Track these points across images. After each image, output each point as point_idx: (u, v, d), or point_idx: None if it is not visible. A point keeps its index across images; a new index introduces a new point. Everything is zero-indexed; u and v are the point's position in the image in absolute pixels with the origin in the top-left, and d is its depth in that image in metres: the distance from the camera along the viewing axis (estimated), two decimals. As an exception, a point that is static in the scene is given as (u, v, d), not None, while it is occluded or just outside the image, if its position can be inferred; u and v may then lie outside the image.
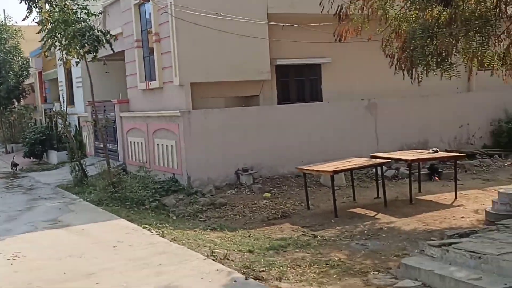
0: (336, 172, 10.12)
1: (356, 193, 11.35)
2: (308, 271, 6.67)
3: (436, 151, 11.42)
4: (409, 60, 10.04)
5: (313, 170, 10.58)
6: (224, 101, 14.47)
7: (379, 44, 10.41)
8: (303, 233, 8.98)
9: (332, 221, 9.72)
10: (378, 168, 11.16)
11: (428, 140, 15.17)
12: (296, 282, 6.20)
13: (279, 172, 13.34)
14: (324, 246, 8.02)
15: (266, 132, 13.29)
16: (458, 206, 10.23)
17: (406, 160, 10.84)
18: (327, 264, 6.93)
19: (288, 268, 6.74)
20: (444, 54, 9.98)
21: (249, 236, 8.89)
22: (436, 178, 12.96)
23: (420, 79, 10.40)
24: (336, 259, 7.23)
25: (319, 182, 12.85)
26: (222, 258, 7.00)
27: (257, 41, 13.14)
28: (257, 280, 6.04)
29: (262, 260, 7.07)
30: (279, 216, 10.36)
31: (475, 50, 9.57)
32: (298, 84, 14.89)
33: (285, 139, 13.40)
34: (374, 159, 11.10)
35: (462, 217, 9.36)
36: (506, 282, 5.09)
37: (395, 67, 10.44)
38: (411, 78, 10.25)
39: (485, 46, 9.47)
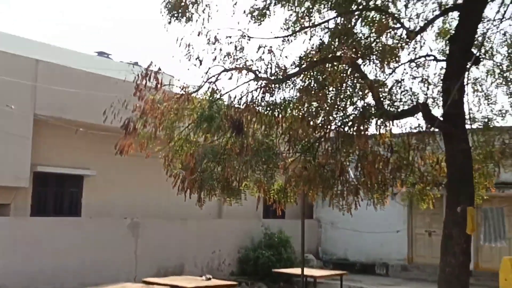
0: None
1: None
2: None
3: (209, 278, 11.17)
4: (198, 183, 9.88)
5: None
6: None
7: (151, 161, 10.11)
8: None
9: None
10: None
11: (184, 265, 14.85)
12: None
13: (31, 296, 11.31)
14: None
15: (18, 247, 11.31)
16: (235, 337, 9.94)
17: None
18: None
19: None
20: (230, 180, 10.13)
21: None
22: (198, 305, 12.58)
23: (203, 203, 10.28)
24: None
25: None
26: None
27: (18, 142, 11.56)
28: None
29: None
30: None
31: (262, 180, 9.92)
32: (57, 195, 13.36)
33: (40, 257, 11.56)
34: (150, 285, 10.25)
35: None
36: None
37: (178, 187, 10.16)
38: (198, 201, 10.05)
39: (271, 177, 9.88)
